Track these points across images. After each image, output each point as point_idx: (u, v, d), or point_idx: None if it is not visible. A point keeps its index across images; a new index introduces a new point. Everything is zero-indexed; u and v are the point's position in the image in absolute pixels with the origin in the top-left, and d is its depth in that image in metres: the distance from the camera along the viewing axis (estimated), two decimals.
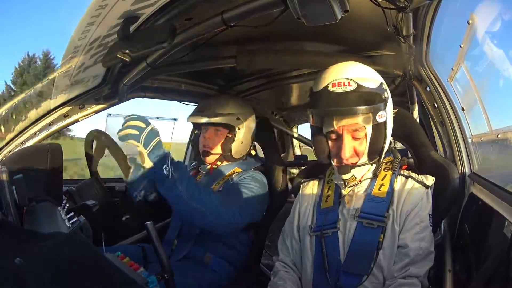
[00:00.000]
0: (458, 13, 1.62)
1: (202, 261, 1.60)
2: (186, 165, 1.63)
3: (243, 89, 2.42)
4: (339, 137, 1.28)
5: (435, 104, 1.63)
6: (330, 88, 1.23)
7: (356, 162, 1.29)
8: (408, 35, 1.38)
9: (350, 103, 1.20)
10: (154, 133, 1.29)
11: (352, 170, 1.29)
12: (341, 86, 1.21)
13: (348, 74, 1.23)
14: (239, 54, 1.80)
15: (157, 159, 1.28)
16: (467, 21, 1.50)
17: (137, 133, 1.25)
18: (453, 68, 1.71)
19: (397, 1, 1.17)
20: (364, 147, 1.28)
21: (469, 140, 1.54)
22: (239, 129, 1.83)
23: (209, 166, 1.88)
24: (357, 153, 1.29)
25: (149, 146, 1.27)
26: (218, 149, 1.83)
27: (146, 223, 0.96)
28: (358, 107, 1.19)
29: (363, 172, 1.33)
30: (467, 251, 1.31)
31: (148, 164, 1.27)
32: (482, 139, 1.60)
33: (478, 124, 1.63)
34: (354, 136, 1.27)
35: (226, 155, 1.84)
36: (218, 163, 1.87)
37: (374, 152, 1.29)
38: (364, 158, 1.29)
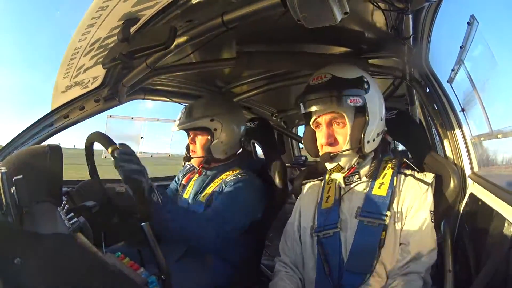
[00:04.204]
0: (458, 14, 1.62)
1: (202, 261, 1.60)
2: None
3: (242, 90, 2.42)
4: (321, 126, 1.35)
5: (435, 105, 1.63)
6: (311, 83, 1.37)
7: (338, 151, 1.32)
8: (408, 37, 1.39)
9: (323, 90, 1.31)
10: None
11: (336, 159, 1.33)
12: (318, 79, 1.35)
13: (327, 69, 1.36)
14: (239, 55, 1.80)
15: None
16: (467, 22, 1.51)
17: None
18: (453, 69, 1.71)
19: (397, 3, 1.17)
20: (344, 135, 1.32)
21: (469, 141, 1.54)
22: (215, 129, 1.82)
23: (197, 169, 1.91)
24: (337, 141, 1.33)
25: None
26: (201, 152, 1.85)
27: (142, 224, 0.96)
28: (329, 92, 1.30)
29: (351, 162, 1.34)
30: (467, 252, 1.30)
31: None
32: (482, 139, 1.60)
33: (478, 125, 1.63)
34: (334, 123, 1.33)
35: (209, 157, 1.85)
36: (205, 165, 1.89)
37: (354, 139, 1.31)
38: (346, 146, 1.32)
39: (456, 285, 1.27)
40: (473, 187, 1.39)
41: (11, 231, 0.70)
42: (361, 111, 1.30)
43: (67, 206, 1.00)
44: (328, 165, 1.35)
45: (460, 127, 1.55)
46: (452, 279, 1.28)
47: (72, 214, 0.97)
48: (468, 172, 1.47)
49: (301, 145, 4.04)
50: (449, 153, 1.58)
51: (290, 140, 3.90)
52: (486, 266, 1.14)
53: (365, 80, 1.33)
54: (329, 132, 1.32)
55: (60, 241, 0.68)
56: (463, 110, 1.61)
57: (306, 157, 3.75)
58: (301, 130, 3.87)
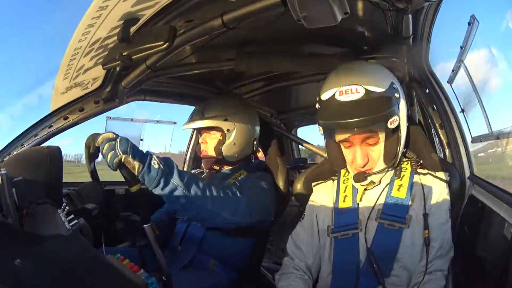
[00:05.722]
0: (458, 15, 1.62)
1: (207, 268, 1.59)
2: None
3: (242, 91, 2.41)
4: (352, 145, 1.27)
5: (435, 106, 1.63)
6: (337, 97, 1.20)
7: (372, 169, 1.27)
8: (407, 37, 1.39)
9: (359, 114, 1.15)
10: (125, 140, 1.18)
11: (368, 177, 1.27)
12: (348, 93, 1.18)
13: (355, 79, 1.19)
14: (238, 56, 1.79)
15: (141, 157, 1.18)
16: (468, 22, 1.51)
17: (112, 146, 1.16)
18: (453, 70, 1.71)
19: (397, 3, 1.17)
20: (378, 152, 1.26)
21: (469, 142, 1.54)
22: (228, 130, 1.77)
23: (207, 172, 1.87)
24: (371, 159, 1.26)
25: (128, 151, 1.16)
26: (212, 153, 1.80)
27: (144, 226, 0.96)
28: (367, 117, 1.15)
29: (381, 176, 1.30)
30: (467, 253, 1.30)
31: (138, 165, 1.18)
32: (481, 140, 1.60)
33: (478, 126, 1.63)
34: (367, 142, 1.25)
35: (220, 159, 1.80)
36: (216, 167, 1.84)
37: (390, 156, 1.26)
38: (380, 164, 1.27)
39: (456, 287, 1.27)
40: (472, 189, 1.39)
41: (11, 232, 0.70)
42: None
43: (67, 208, 1.00)
44: (362, 183, 1.29)
45: (459, 128, 1.55)
46: (452, 281, 1.28)
47: (72, 216, 0.97)
48: (467, 173, 1.47)
49: (301, 147, 4.05)
50: (448, 154, 1.58)
51: (289, 141, 3.89)
52: (486, 268, 1.14)
53: (395, 87, 1.23)
54: (363, 153, 1.25)
55: (60, 242, 0.68)
56: (463, 111, 1.61)
57: (306, 159, 3.75)
58: (300, 132, 3.89)
